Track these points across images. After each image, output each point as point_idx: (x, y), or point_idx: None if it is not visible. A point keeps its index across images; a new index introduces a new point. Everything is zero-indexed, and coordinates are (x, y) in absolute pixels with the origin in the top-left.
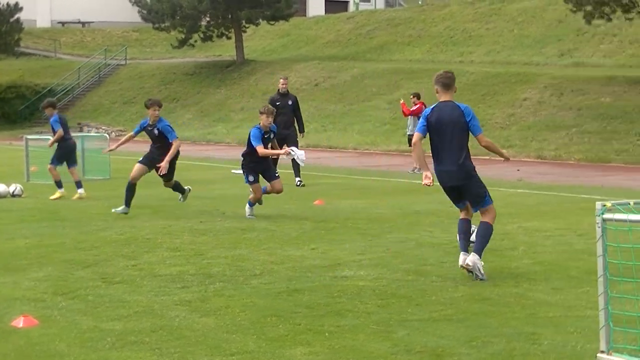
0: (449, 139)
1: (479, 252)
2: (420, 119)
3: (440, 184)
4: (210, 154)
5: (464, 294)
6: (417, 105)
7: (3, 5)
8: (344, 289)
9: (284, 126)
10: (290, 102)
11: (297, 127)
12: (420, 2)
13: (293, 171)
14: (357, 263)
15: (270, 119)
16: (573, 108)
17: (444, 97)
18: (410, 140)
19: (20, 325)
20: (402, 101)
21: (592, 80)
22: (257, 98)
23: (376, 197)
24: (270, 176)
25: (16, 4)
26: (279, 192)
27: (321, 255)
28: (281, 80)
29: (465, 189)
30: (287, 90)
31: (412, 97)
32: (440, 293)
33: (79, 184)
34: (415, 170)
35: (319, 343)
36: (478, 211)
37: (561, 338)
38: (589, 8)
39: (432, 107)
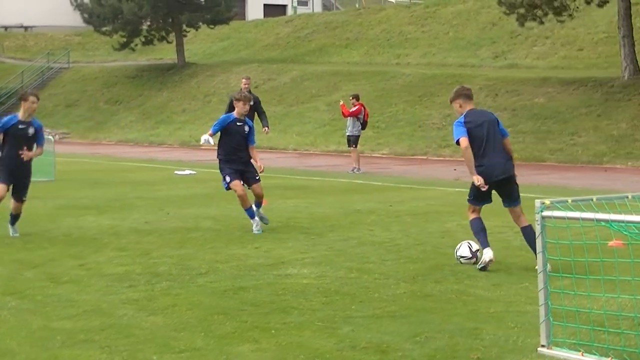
0: (492, 137)
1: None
2: (457, 126)
3: (486, 178)
4: (154, 156)
5: (406, 290)
6: (356, 107)
7: None
8: (289, 286)
9: None
10: (251, 102)
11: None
12: (357, 5)
13: None
14: (301, 261)
15: (247, 107)
16: (508, 108)
17: (469, 107)
18: (349, 140)
19: None
20: (341, 102)
21: (526, 82)
22: (198, 100)
23: (317, 197)
24: (249, 178)
25: None
26: (258, 196)
27: (265, 253)
28: (243, 80)
29: (508, 182)
30: (250, 90)
31: (351, 98)
32: (383, 290)
33: None
34: (355, 171)
35: (266, 340)
36: (507, 207)
37: (502, 333)
38: (522, 11)
39: (463, 115)
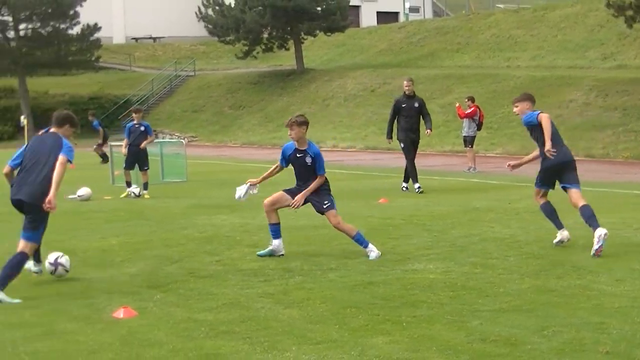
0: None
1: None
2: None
3: (555, 160)
4: (276, 157)
5: (530, 285)
6: (472, 108)
7: (84, 25)
8: (416, 281)
9: (409, 129)
10: (416, 105)
11: (424, 130)
12: (464, 12)
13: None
14: (426, 257)
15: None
16: (618, 108)
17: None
18: (465, 141)
19: (121, 316)
20: (457, 104)
21: (636, 82)
22: (317, 104)
23: (436, 195)
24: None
25: (95, 24)
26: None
27: (391, 250)
28: (405, 82)
29: (572, 166)
30: (414, 93)
31: (466, 100)
32: (508, 285)
33: (145, 186)
34: (471, 170)
35: (398, 332)
36: (565, 189)
37: (629, 327)
38: (630, 13)
39: (536, 113)
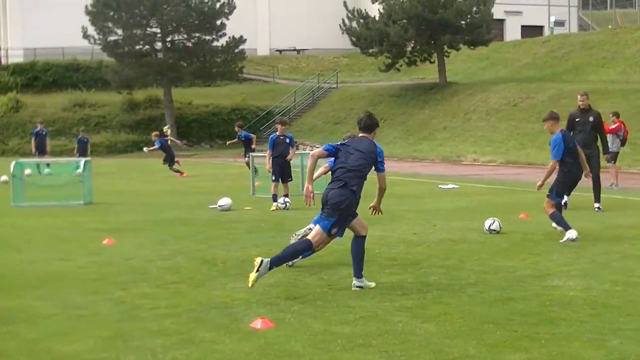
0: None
1: None
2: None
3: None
4: (417, 170)
5: None
6: (616, 124)
7: (230, 37)
8: (555, 298)
9: (583, 145)
10: (591, 119)
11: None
12: (610, 26)
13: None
14: (566, 273)
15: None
16: None
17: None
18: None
19: (259, 326)
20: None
21: None
22: (458, 118)
23: (576, 211)
24: None
25: (240, 36)
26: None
27: (531, 265)
28: (579, 96)
29: None
30: (589, 106)
31: (611, 115)
32: None
33: (274, 198)
34: (613, 186)
35: (536, 350)
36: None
37: None
38: None
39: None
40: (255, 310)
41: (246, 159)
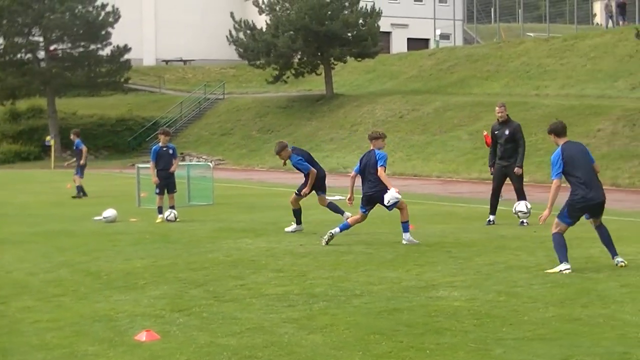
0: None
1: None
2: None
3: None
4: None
5: (555, 314)
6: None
7: (114, 47)
8: (441, 308)
9: (500, 157)
10: (507, 132)
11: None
12: (495, 40)
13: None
14: (451, 284)
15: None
16: None
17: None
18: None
19: (144, 339)
20: (485, 132)
21: None
22: (345, 129)
23: (462, 222)
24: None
25: (125, 45)
26: None
27: (416, 276)
28: (497, 107)
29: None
30: (507, 118)
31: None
32: (532, 313)
33: (160, 210)
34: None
35: None
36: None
37: None
38: None
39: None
40: (140, 322)
41: (76, 175)
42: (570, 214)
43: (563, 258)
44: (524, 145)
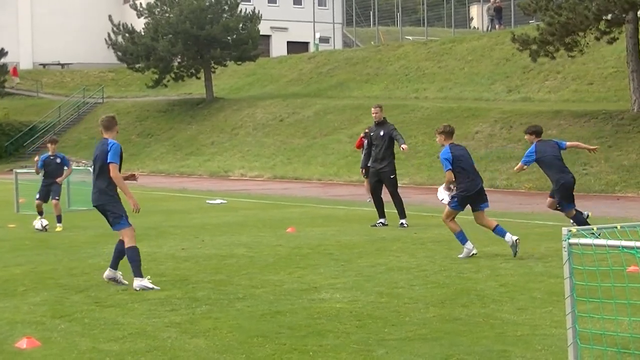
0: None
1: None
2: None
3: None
4: (185, 185)
5: (435, 314)
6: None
7: None
8: (323, 310)
9: (374, 160)
10: (382, 133)
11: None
12: (373, 43)
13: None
14: (333, 286)
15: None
16: (522, 140)
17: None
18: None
19: (24, 346)
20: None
21: (539, 114)
22: (226, 133)
23: (343, 225)
24: None
25: (2, 49)
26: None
27: (298, 279)
28: (372, 109)
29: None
30: (383, 119)
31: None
32: (413, 314)
33: (59, 218)
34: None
35: None
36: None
37: (531, 355)
38: (534, 47)
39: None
40: (20, 330)
41: None
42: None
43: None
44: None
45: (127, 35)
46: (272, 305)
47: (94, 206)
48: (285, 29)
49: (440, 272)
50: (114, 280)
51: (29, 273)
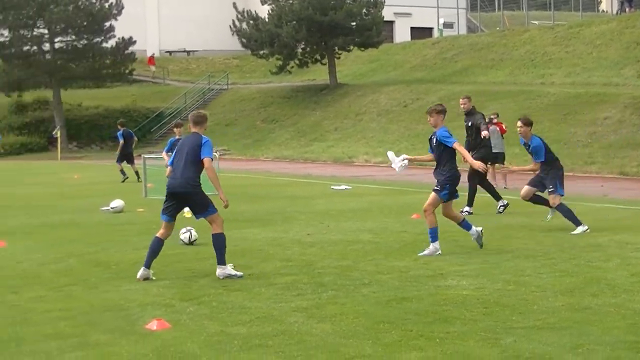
0: None
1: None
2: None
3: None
4: (309, 171)
5: (564, 303)
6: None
7: (119, 39)
8: (449, 297)
9: (468, 148)
10: (469, 124)
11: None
12: (498, 28)
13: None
14: (459, 273)
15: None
16: None
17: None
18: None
19: (155, 328)
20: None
21: None
22: (350, 119)
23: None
24: None
25: (130, 37)
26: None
27: (424, 265)
28: (461, 100)
29: None
30: (472, 109)
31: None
32: (541, 302)
33: None
34: (502, 187)
35: (432, 348)
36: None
37: None
38: None
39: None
40: (150, 312)
41: (119, 163)
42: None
43: (577, 222)
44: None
45: (251, 22)
46: (398, 291)
47: (173, 192)
48: (408, 14)
49: (568, 260)
50: None
51: (158, 257)
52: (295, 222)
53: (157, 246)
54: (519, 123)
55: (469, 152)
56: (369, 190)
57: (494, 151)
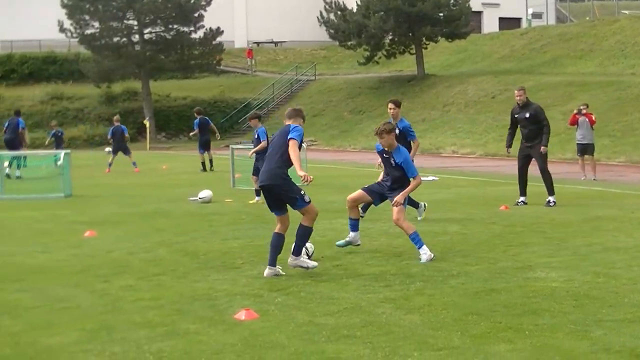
0: None
1: None
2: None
3: None
4: None
5: None
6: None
7: (207, 29)
8: (538, 289)
9: (523, 140)
10: (527, 115)
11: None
12: (588, 18)
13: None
14: (548, 265)
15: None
16: None
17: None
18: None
19: (243, 318)
20: (575, 111)
21: None
22: (437, 110)
23: (557, 203)
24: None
25: (218, 28)
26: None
27: (512, 257)
28: (515, 91)
29: None
30: (526, 101)
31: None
32: (632, 295)
33: (258, 193)
34: (582, 178)
35: (520, 341)
36: None
37: None
38: None
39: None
40: (238, 302)
41: (201, 153)
42: None
43: None
44: (549, 126)
45: (338, 12)
46: (486, 283)
47: (262, 185)
48: (497, 4)
49: None
50: (299, 266)
51: (246, 247)
52: (383, 213)
53: (277, 242)
54: (391, 105)
55: (528, 142)
56: (457, 181)
57: (583, 142)
